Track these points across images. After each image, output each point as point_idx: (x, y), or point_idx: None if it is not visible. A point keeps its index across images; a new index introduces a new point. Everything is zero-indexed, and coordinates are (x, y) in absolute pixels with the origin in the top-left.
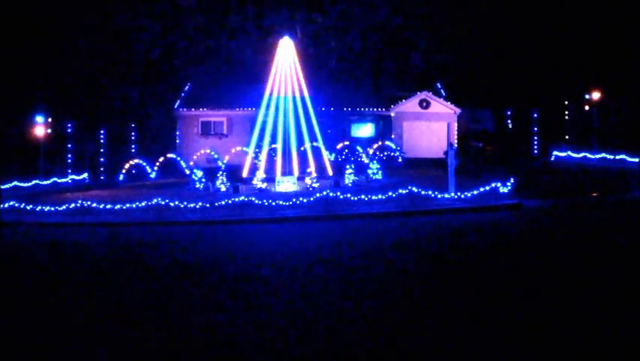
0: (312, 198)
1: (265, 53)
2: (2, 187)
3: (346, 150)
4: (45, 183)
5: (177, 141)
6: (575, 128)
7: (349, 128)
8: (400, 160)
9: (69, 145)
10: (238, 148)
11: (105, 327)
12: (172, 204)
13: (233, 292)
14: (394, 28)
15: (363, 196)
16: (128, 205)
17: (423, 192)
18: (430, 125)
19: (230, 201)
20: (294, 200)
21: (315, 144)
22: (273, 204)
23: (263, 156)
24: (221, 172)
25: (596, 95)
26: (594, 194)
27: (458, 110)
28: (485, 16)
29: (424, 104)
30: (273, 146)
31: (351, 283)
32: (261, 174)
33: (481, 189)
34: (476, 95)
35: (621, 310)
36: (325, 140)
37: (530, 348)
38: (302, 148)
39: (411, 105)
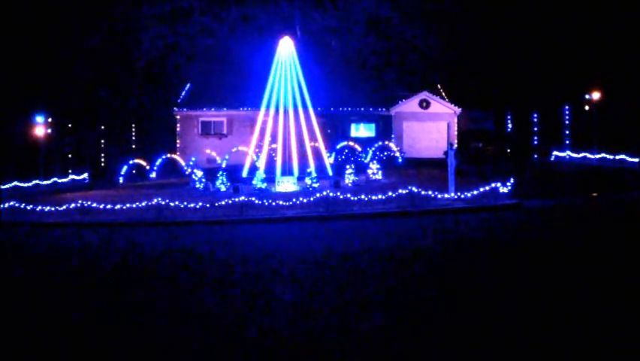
0: (312, 198)
1: (265, 53)
2: (2, 187)
3: (346, 150)
4: (45, 183)
5: (177, 141)
6: (574, 128)
7: (349, 128)
8: (399, 160)
9: (69, 145)
10: (238, 148)
11: (105, 327)
12: (172, 204)
13: (233, 292)
14: (394, 28)
15: (363, 196)
16: (128, 205)
17: (423, 192)
18: (430, 125)
19: (230, 201)
20: (294, 200)
21: (315, 144)
22: (273, 204)
23: (263, 156)
24: (221, 172)
25: (596, 96)
26: (594, 194)
27: (458, 110)
28: (485, 16)
29: (424, 104)
30: (273, 146)
31: (351, 283)
32: (261, 174)
33: (481, 189)
34: (476, 95)
35: (621, 310)
36: (325, 140)
37: (530, 348)
38: (302, 148)
39: (411, 105)
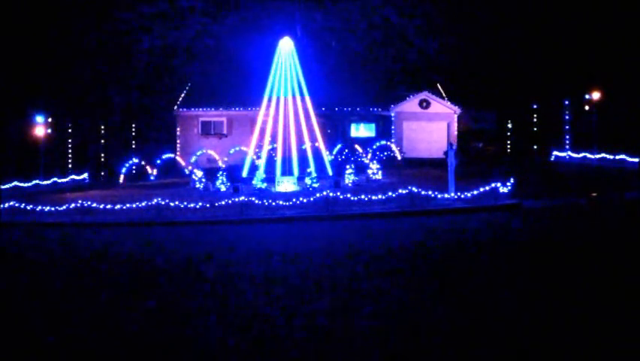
0: (312, 198)
1: (265, 53)
2: (2, 187)
3: (346, 150)
4: (45, 183)
5: (177, 141)
6: (575, 128)
7: (349, 128)
8: (400, 160)
9: (69, 145)
10: (239, 148)
11: (104, 327)
12: (172, 204)
13: (233, 293)
14: (395, 28)
15: (363, 196)
16: (128, 205)
17: (423, 192)
18: (430, 125)
19: (230, 201)
20: (294, 200)
21: (315, 144)
22: (273, 204)
23: (263, 156)
24: (221, 172)
25: (596, 95)
26: (594, 194)
27: (458, 110)
28: (485, 16)
29: (424, 104)
30: (273, 146)
31: (351, 283)
32: (261, 174)
33: (481, 189)
34: (476, 95)
35: (621, 310)
36: (325, 140)
37: (530, 348)
38: (302, 148)
39: (411, 105)
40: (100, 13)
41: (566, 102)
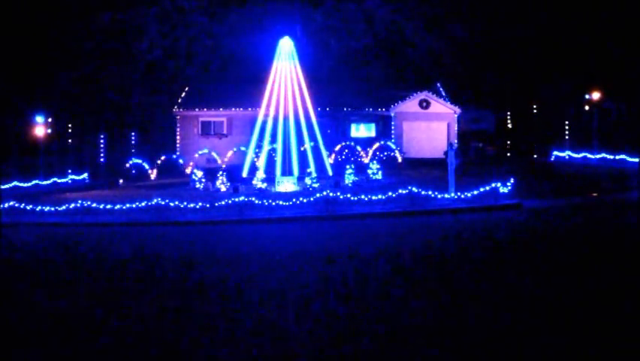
0: (312, 198)
1: (265, 53)
2: (2, 187)
3: (346, 150)
4: (45, 183)
5: (177, 141)
6: (574, 128)
7: (349, 128)
8: (399, 160)
9: (69, 145)
10: (243, 149)
11: (104, 327)
12: (172, 204)
13: (233, 293)
14: (395, 27)
15: (363, 196)
16: (128, 205)
17: (423, 192)
18: (430, 125)
19: (230, 201)
20: (294, 200)
21: (315, 144)
22: (273, 204)
23: (263, 156)
24: (221, 172)
25: (596, 96)
26: (594, 194)
27: (458, 110)
28: (486, 16)
29: (424, 104)
30: (273, 146)
31: (351, 284)
32: (260, 174)
33: (481, 189)
34: (476, 95)
35: (621, 310)
36: (325, 140)
37: (529, 348)
38: (302, 148)
39: (411, 105)
40: (100, 13)
41: (566, 102)
